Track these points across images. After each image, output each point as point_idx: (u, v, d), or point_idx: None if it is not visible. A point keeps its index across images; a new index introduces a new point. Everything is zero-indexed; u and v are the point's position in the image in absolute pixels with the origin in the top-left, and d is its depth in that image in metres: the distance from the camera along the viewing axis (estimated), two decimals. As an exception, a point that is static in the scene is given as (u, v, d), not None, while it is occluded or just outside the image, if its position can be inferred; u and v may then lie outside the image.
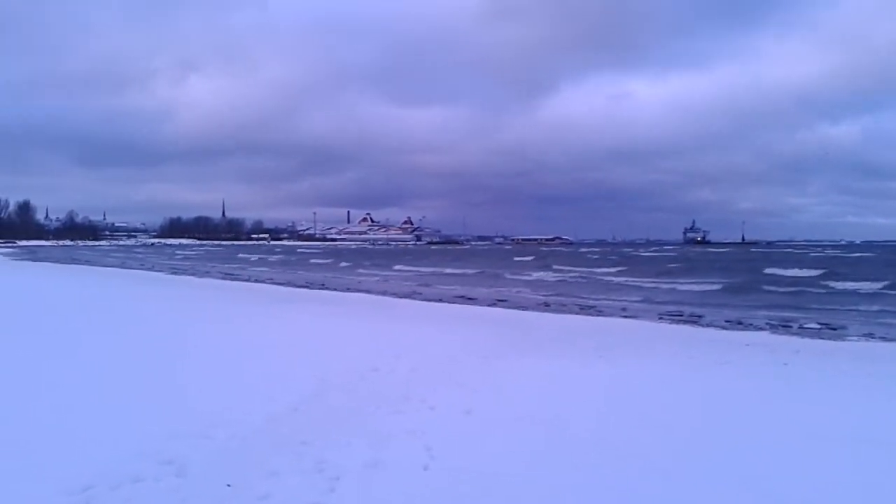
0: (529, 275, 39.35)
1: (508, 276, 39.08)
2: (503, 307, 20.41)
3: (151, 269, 45.84)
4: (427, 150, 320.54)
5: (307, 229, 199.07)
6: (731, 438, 5.70)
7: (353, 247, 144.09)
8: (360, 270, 46.86)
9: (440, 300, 22.50)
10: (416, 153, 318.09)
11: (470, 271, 44.06)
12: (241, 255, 77.87)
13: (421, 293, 26.33)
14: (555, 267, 47.26)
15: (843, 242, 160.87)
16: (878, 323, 17.02)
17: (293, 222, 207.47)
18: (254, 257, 72.35)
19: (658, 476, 4.70)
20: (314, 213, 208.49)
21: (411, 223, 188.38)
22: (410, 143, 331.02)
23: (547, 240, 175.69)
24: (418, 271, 44.88)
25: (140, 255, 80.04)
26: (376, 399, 6.81)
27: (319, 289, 27.83)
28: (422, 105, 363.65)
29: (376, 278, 37.88)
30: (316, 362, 8.77)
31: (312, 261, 63.75)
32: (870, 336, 14.45)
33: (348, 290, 27.46)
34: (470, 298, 23.92)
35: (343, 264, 55.78)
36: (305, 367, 8.40)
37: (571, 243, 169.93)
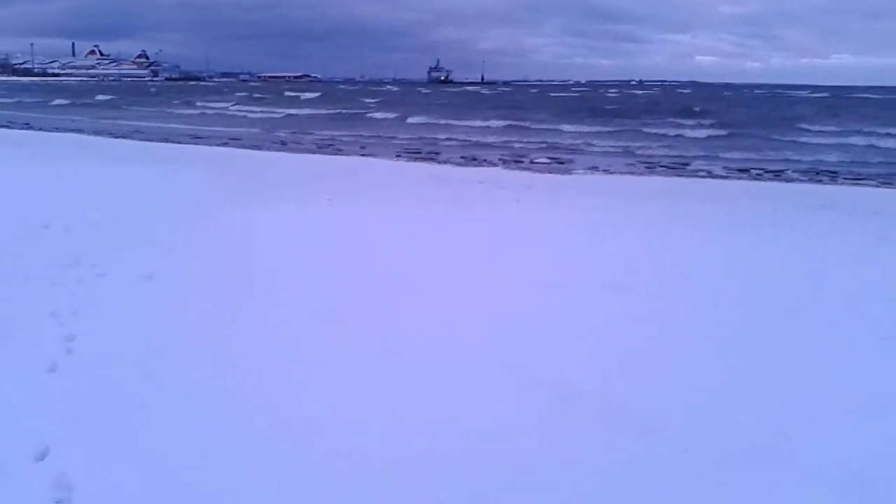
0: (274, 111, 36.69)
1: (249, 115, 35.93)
2: (235, 146, 18.40)
3: None
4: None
5: (23, 63, 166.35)
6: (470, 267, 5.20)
7: (78, 83, 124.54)
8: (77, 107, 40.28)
9: (166, 140, 19.73)
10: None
11: (211, 107, 39.96)
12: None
13: (143, 132, 22.98)
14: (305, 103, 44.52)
15: (570, 82, 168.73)
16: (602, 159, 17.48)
17: (6, 55, 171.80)
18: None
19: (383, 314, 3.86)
20: (31, 45, 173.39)
21: (146, 57, 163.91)
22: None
23: (296, 77, 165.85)
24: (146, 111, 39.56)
25: None
26: (31, 267, 5.12)
27: (23, 128, 23.13)
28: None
29: (98, 117, 32.61)
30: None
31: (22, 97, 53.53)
32: (594, 169, 14.99)
33: (57, 129, 23.09)
34: (198, 137, 21.35)
35: (58, 102, 47.39)
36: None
37: (321, 81, 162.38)
